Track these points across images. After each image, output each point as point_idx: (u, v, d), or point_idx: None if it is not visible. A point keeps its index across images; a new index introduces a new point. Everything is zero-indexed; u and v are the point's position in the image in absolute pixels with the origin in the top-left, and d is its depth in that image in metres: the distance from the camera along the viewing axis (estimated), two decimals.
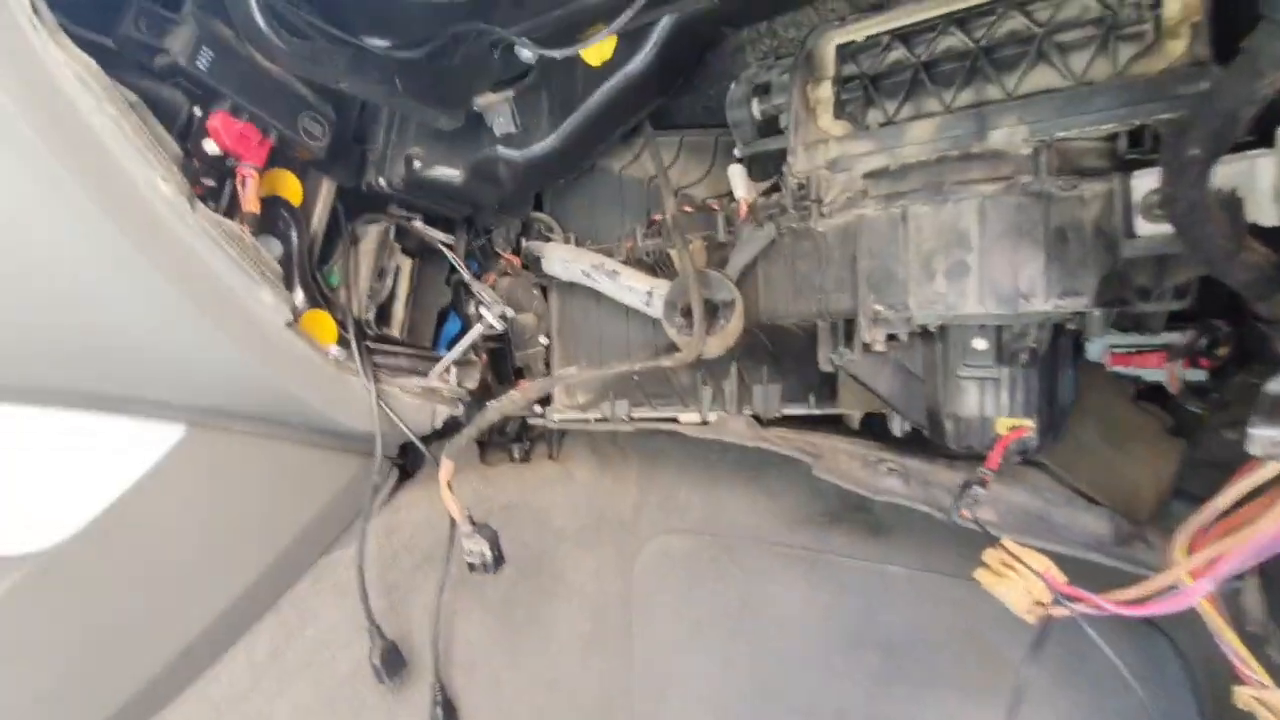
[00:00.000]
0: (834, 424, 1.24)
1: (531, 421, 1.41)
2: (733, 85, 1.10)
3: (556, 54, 0.91)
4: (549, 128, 1.09)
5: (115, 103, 0.69)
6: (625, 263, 1.23)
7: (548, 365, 1.40)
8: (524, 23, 1.00)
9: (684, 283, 1.07)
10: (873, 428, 1.20)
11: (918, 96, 0.92)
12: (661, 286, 1.14)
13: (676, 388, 1.31)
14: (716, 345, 1.06)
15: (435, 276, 1.23)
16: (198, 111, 0.89)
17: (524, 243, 1.31)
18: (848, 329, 1.01)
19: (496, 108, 0.97)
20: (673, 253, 1.15)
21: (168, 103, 0.89)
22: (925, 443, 1.03)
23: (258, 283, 0.83)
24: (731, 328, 1.04)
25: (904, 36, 0.96)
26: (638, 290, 1.15)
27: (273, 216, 0.99)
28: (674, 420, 1.32)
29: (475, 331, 1.12)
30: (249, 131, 0.88)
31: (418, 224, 1.19)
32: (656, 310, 1.14)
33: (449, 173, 1.07)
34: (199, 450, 0.93)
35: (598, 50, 1.03)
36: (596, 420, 1.38)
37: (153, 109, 0.87)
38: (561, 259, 1.21)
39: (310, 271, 1.04)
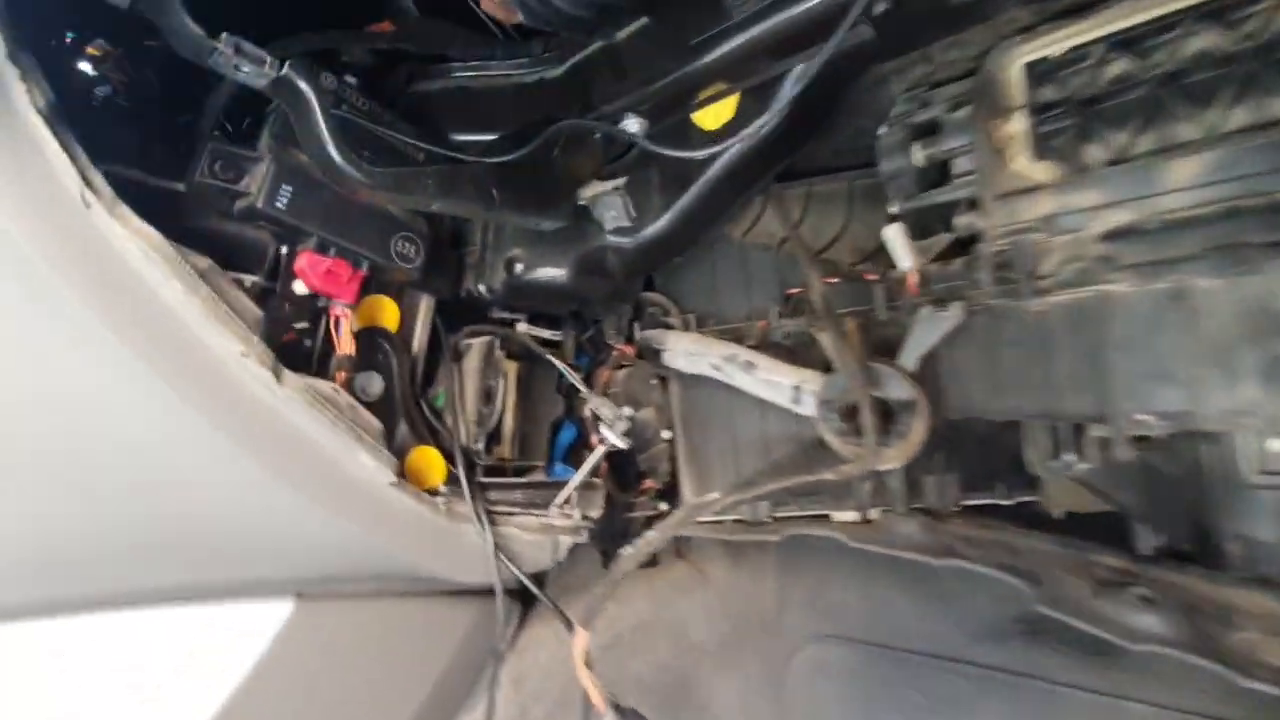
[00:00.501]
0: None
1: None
2: (884, 129, 0.89)
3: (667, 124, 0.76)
4: (661, 206, 0.93)
5: (183, 277, 0.59)
6: (759, 348, 1.04)
7: (673, 463, 1.22)
8: (627, 97, 0.85)
9: (845, 379, 0.86)
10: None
11: (1162, 122, 0.69)
12: (811, 379, 0.94)
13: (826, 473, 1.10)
14: (895, 457, 0.85)
15: (544, 380, 1.09)
16: (284, 249, 0.80)
17: (638, 331, 1.15)
18: (1075, 430, 0.77)
19: (605, 200, 0.82)
20: (821, 337, 0.95)
21: (251, 245, 0.80)
22: None
23: (356, 446, 0.72)
24: (913, 437, 0.82)
25: (1127, 43, 0.73)
26: (782, 385, 0.96)
27: (370, 348, 0.89)
28: (825, 518, 1.11)
29: (595, 456, 0.96)
30: (338, 267, 0.78)
31: (522, 327, 1.06)
32: (807, 408, 0.94)
33: (554, 273, 0.93)
34: (310, 622, 0.82)
35: (715, 112, 0.86)
36: (735, 522, 1.19)
37: (234, 254, 0.80)
38: (686, 351, 1.03)
39: (414, 400, 0.93)
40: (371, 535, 0.77)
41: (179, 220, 0.77)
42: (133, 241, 0.58)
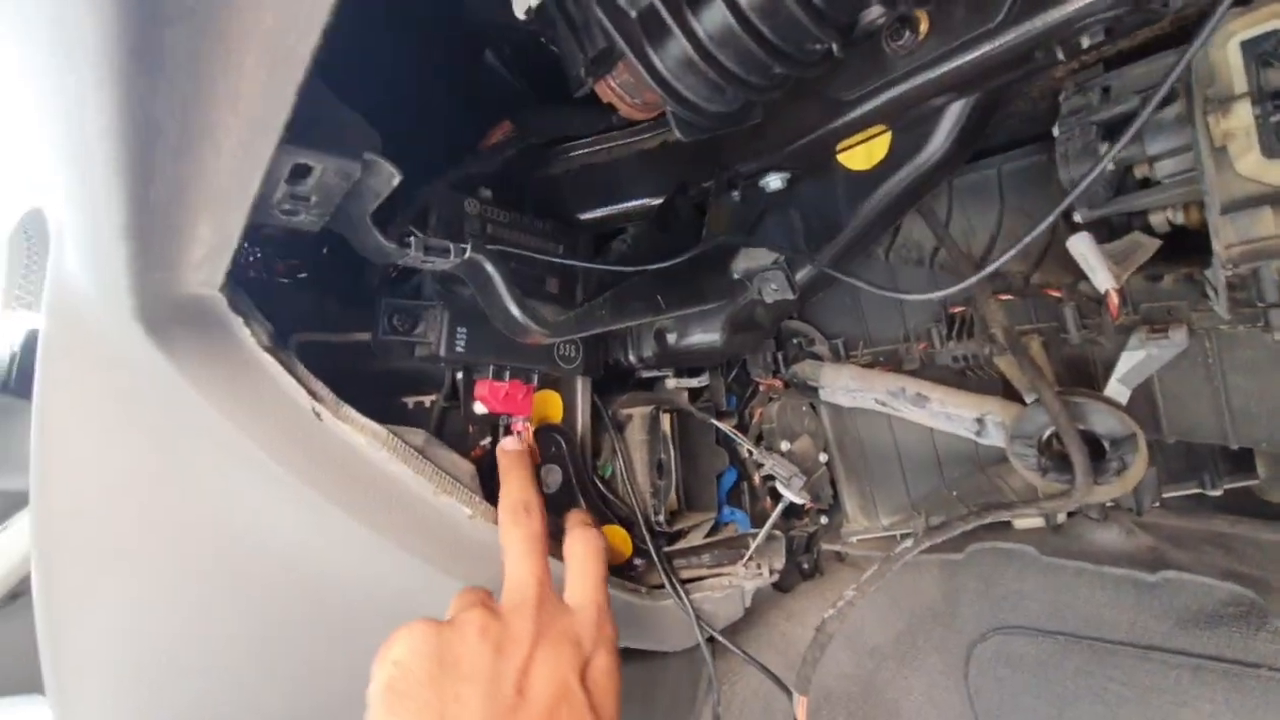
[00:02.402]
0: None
1: (827, 547, 1.23)
2: (1061, 129, 0.80)
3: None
4: (807, 251, 0.88)
5: (408, 459, 0.62)
6: (923, 375, 0.99)
7: (834, 485, 1.21)
8: (767, 156, 0.79)
9: (1044, 413, 0.81)
10: None
11: None
12: (997, 410, 0.88)
13: (1009, 490, 1.05)
14: (1109, 493, 0.79)
15: (700, 429, 1.09)
16: (459, 374, 0.83)
17: (782, 364, 1.12)
18: None
19: (765, 276, 0.78)
20: (1003, 363, 0.89)
21: (430, 373, 0.84)
22: None
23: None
24: (1133, 473, 0.76)
25: None
26: (962, 418, 0.91)
27: (545, 444, 0.91)
28: (1006, 524, 1.07)
29: (776, 513, 0.96)
30: (514, 389, 0.80)
31: (671, 383, 1.05)
32: (995, 440, 0.89)
33: (707, 338, 0.91)
34: None
35: (867, 152, 0.80)
36: (902, 536, 1.17)
37: (417, 381, 0.83)
38: (846, 388, 1.00)
39: (590, 481, 0.96)
40: None
41: (369, 366, 0.82)
42: (361, 436, 0.61)
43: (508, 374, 0.79)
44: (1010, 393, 0.94)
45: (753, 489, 1.15)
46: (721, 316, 0.91)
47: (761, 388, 1.14)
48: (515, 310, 0.60)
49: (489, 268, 0.59)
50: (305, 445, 0.59)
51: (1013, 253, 0.59)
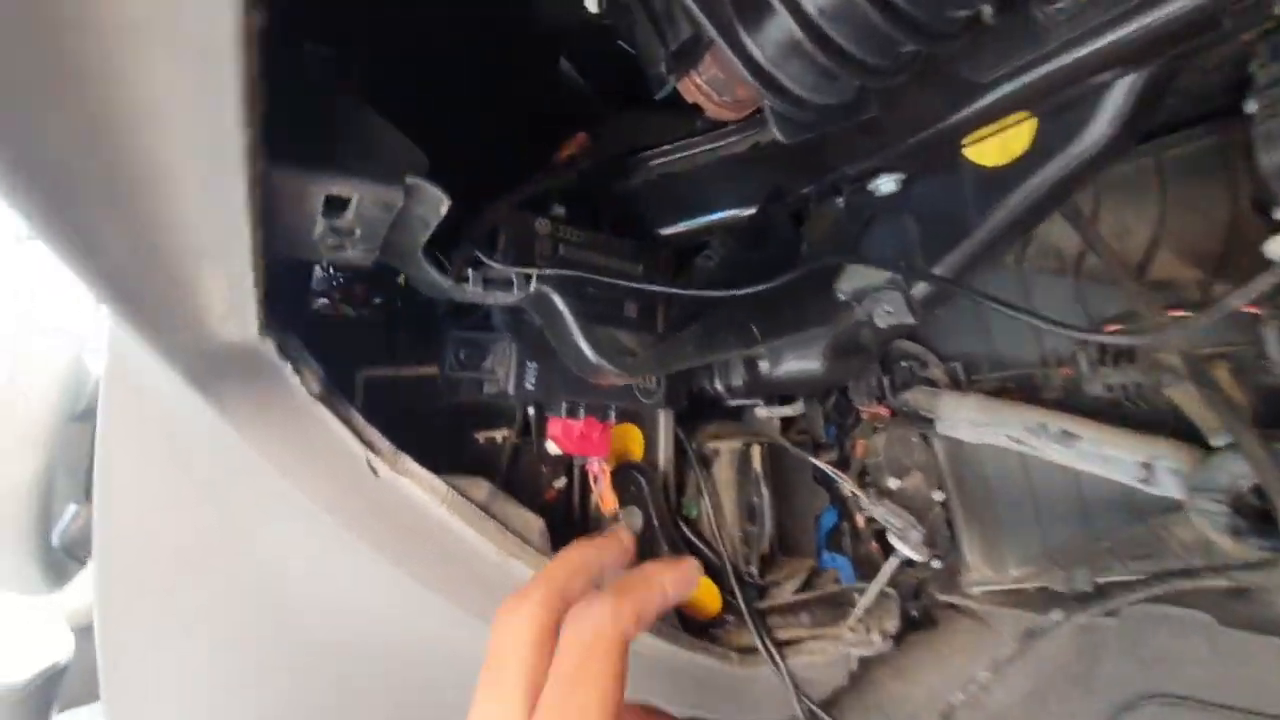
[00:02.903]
0: None
1: (943, 598, 1.08)
2: (1259, 103, 0.64)
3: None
4: (924, 264, 0.75)
5: (472, 520, 0.55)
6: (1067, 407, 0.83)
7: (950, 527, 1.06)
8: (880, 153, 0.68)
9: (1244, 458, 0.65)
10: None
11: None
12: (1170, 453, 0.72)
13: (1177, 545, 0.87)
14: None
15: (795, 465, 0.98)
16: (532, 411, 0.76)
17: (889, 390, 0.99)
18: None
19: (878, 296, 0.66)
20: (1177, 395, 0.72)
21: (501, 407, 0.77)
22: None
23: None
24: None
25: None
26: (1123, 463, 0.75)
27: (624, 484, 0.83)
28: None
29: (888, 570, 0.83)
30: (589, 428, 0.72)
31: (762, 413, 0.95)
32: (1168, 490, 0.73)
33: (805, 366, 0.80)
34: None
35: (1002, 145, 0.66)
36: (1038, 590, 1.01)
37: (486, 416, 0.78)
38: (970, 421, 0.86)
39: (674, 523, 0.86)
40: (669, 703, 0.72)
41: (435, 402, 0.76)
42: (419, 491, 0.54)
43: (582, 410, 0.71)
44: (1181, 429, 0.77)
45: (855, 530, 1.02)
46: (822, 342, 0.80)
47: (864, 416, 1.01)
48: (587, 348, 0.52)
49: (557, 301, 0.51)
50: (360, 499, 0.54)
51: None
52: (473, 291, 0.47)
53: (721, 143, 0.81)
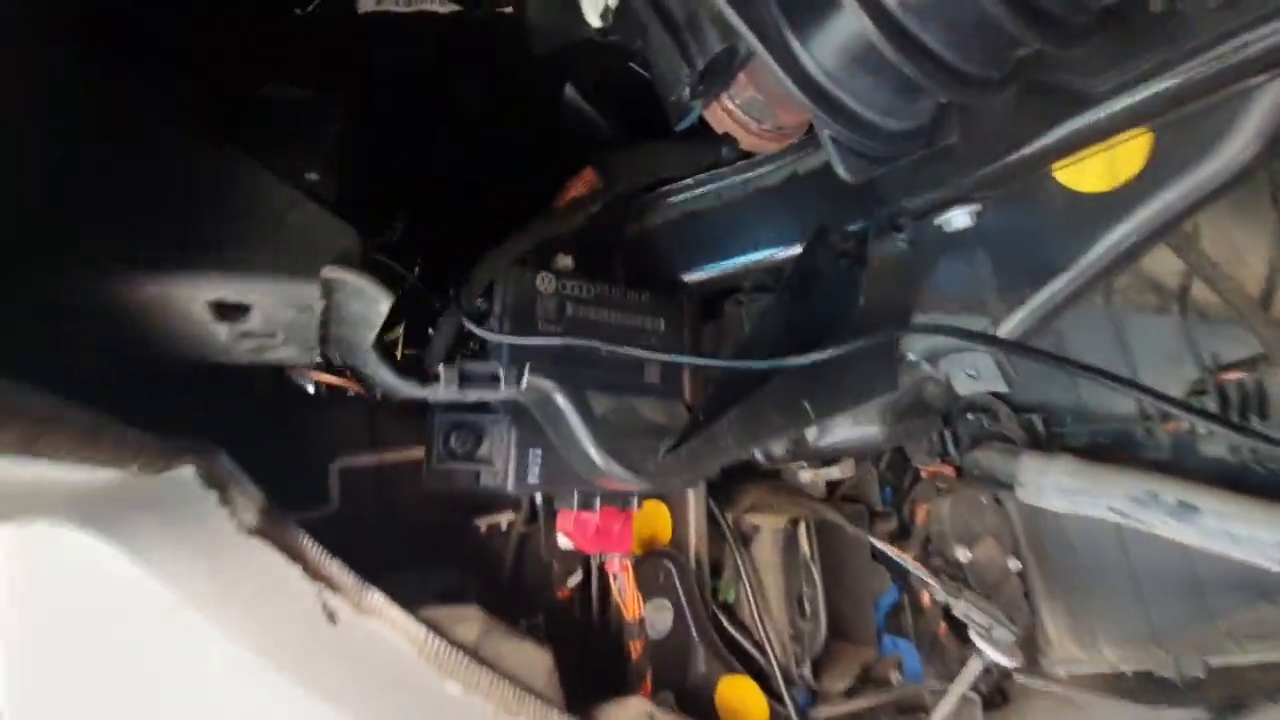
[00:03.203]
0: None
1: (1023, 680, 0.93)
2: None
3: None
4: (1004, 306, 0.62)
5: (457, 672, 0.44)
6: (1170, 467, 0.69)
7: (1028, 599, 0.91)
8: (952, 182, 0.56)
9: None
10: None
11: None
12: None
13: None
14: None
15: (849, 540, 0.84)
16: (539, 499, 0.64)
17: (953, 446, 0.85)
18: None
19: (958, 358, 0.54)
20: None
21: (502, 499, 0.66)
22: None
23: None
24: None
25: None
26: (1259, 542, 0.61)
27: (651, 572, 0.71)
28: None
29: (969, 675, 0.69)
30: (607, 520, 0.60)
31: (807, 476, 0.82)
32: None
33: (861, 434, 0.68)
34: None
35: (1107, 166, 0.54)
36: (1136, 675, 0.86)
37: (492, 500, 0.66)
38: (1060, 489, 0.72)
39: (709, 616, 0.74)
40: None
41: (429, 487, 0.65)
42: (393, 635, 0.43)
43: (598, 501, 0.59)
44: None
45: (917, 606, 0.88)
46: (879, 405, 0.67)
47: (925, 475, 0.88)
48: (595, 455, 0.40)
49: (559, 399, 0.40)
50: (315, 647, 0.42)
51: None
52: (445, 393, 0.36)
53: (753, 173, 0.69)
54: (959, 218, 0.56)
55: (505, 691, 0.45)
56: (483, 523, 0.70)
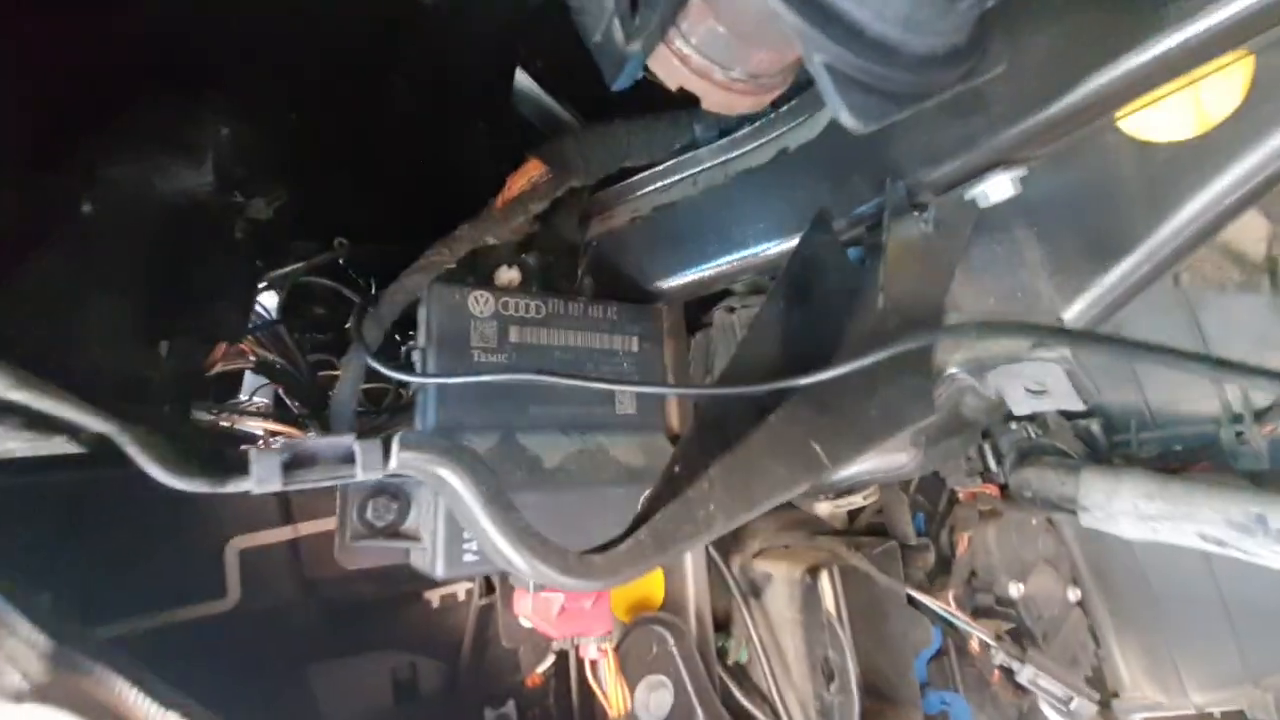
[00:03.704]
0: None
1: None
2: None
3: None
4: (1059, 297, 0.50)
5: None
6: (1269, 481, 0.56)
7: (1093, 634, 0.78)
8: (987, 141, 0.43)
9: None
10: None
11: None
12: None
13: None
14: None
15: (876, 590, 0.71)
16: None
17: (994, 461, 0.72)
18: None
19: (1014, 370, 0.41)
20: None
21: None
22: None
23: None
24: None
25: None
26: None
27: (642, 644, 0.58)
28: None
29: None
30: (576, 596, 0.47)
31: (824, 509, 0.69)
32: None
33: (890, 462, 0.55)
34: None
35: (1193, 108, 0.41)
36: (1223, 715, 0.73)
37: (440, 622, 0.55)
38: (1136, 512, 0.59)
39: (714, 687, 0.61)
40: None
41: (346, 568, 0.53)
42: None
43: None
44: None
45: (963, 651, 0.75)
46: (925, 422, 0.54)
47: (963, 497, 0.75)
48: (514, 557, 0.28)
49: (454, 479, 0.27)
50: None
51: None
52: (259, 487, 0.24)
53: (734, 154, 0.57)
54: (999, 187, 0.44)
55: None
56: (434, 596, 0.58)
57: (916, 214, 0.46)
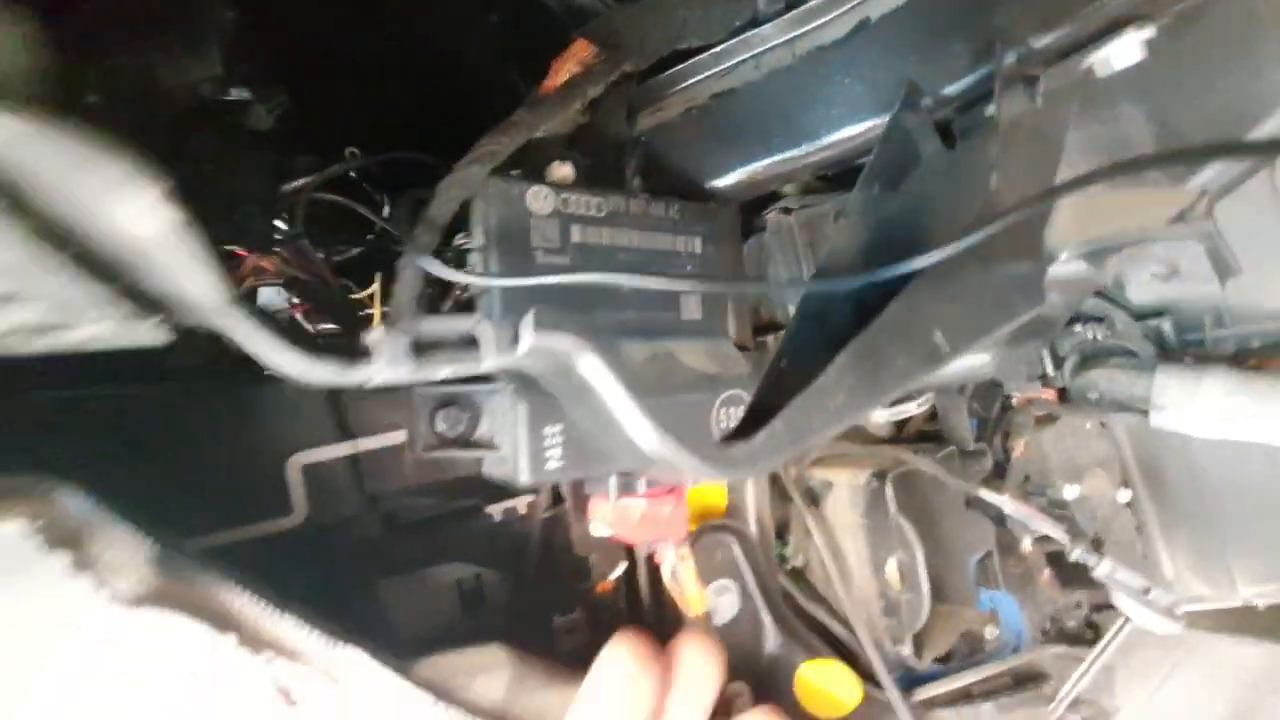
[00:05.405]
0: None
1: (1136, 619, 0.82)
2: None
3: None
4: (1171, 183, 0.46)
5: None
6: None
7: (1140, 533, 0.78)
8: None
9: None
10: None
11: None
12: None
13: None
14: None
15: (942, 489, 0.70)
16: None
17: (1050, 365, 0.70)
18: None
19: (1137, 255, 0.38)
20: None
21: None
22: None
23: None
24: None
25: None
26: None
27: (707, 550, 0.59)
28: None
29: (1112, 642, 0.57)
30: (654, 499, 0.46)
31: (880, 415, 0.68)
32: None
33: (972, 363, 0.53)
34: None
35: None
36: (1268, 608, 0.74)
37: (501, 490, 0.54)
38: (1216, 410, 0.57)
39: (779, 592, 0.62)
40: None
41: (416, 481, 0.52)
42: (381, 710, 0.30)
43: (642, 480, 0.46)
44: None
45: (1010, 553, 0.76)
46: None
47: (1017, 402, 0.73)
48: (649, 440, 0.26)
49: (584, 363, 0.24)
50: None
51: None
52: (389, 375, 0.21)
53: (805, 28, 0.52)
54: (1125, 50, 0.39)
55: None
56: (496, 510, 0.58)
57: (1028, 87, 0.41)
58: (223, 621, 0.29)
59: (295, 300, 0.48)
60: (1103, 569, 0.59)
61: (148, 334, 0.20)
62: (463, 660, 0.34)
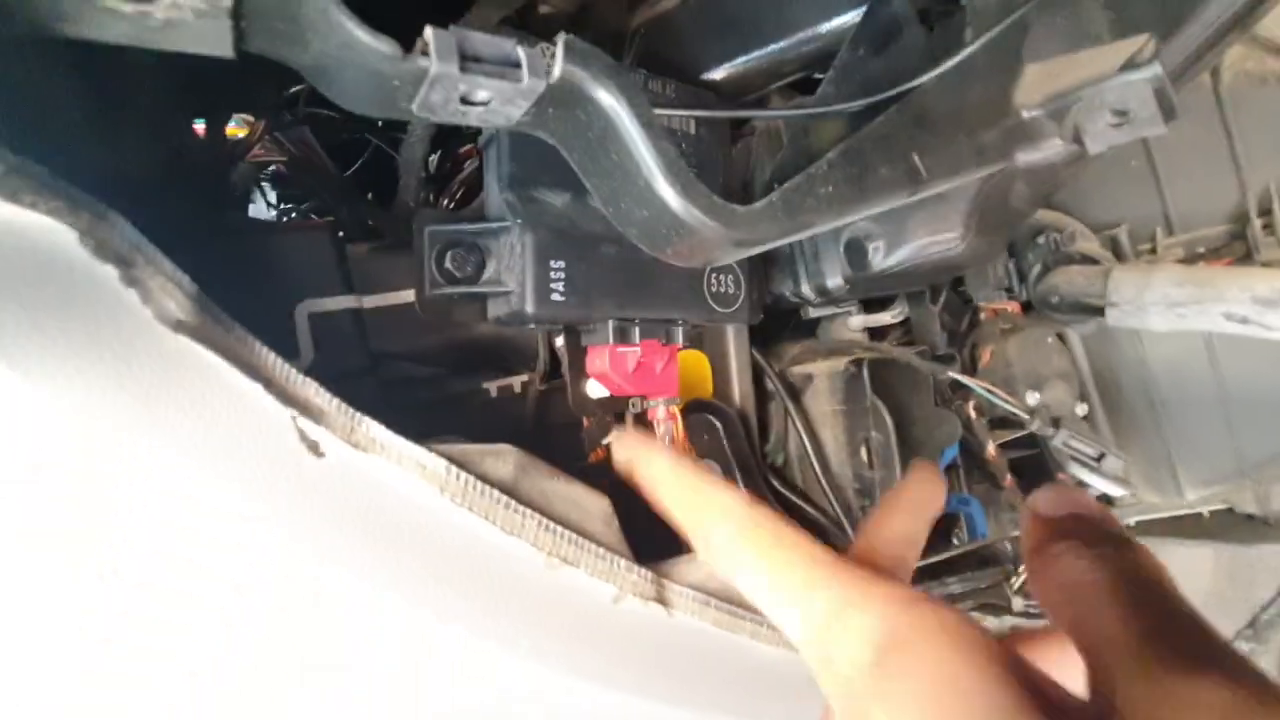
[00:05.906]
0: None
1: None
2: None
3: None
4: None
5: (495, 509, 0.33)
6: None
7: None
8: None
9: None
10: None
11: None
12: None
13: None
14: None
15: (907, 382, 0.75)
16: (559, 342, 0.54)
17: (1015, 278, 0.75)
18: None
19: (1093, 102, 0.42)
20: None
21: (523, 347, 0.56)
22: None
23: (758, 634, 0.45)
24: None
25: None
26: None
27: (695, 432, 0.61)
28: None
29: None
30: (649, 353, 0.49)
31: (857, 321, 0.71)
32: None
33: (941, 240, 0.56)
34: None
35: None
36: (1214, 514, 0.80)
37: (503, 357, 0.56)
38: (1166, 300, 0.62)
39: (763, 476, 0.65)
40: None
41: (429, 339, 0.54)
42: (401, 472, 0.32)
43: (637, 330, 0.48)
44: None
45: (976, 460, 0.80)
46: (962, 205, 0.55)
47: (985, 315, 0.78)
48: (667, 192, 0.28)
49: (607, 98, 0.27)
50: (298, 490, 0.31)
51: None
52: (439, 68, 0.23)
53: None
54: None
55: (557, 537, 0.35)
56: (492, 386, 0.60)
57: None
58: (253, 371, 0.30)
59: None
60: (1059, 439, 0.63)
61: (218, 39, 0.22)
62: (473, 448, 0.36)
